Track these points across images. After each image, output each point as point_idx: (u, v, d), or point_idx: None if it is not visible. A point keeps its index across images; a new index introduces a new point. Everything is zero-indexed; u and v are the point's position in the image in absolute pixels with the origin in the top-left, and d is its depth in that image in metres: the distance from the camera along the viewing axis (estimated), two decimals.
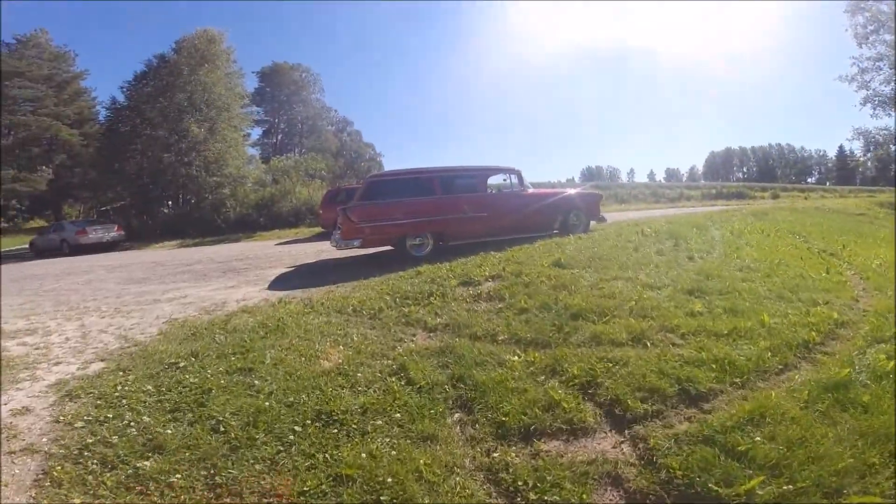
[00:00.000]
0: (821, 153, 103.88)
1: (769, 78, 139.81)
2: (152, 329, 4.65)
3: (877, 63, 20.37)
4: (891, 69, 19.62)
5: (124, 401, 2.95)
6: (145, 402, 2.94)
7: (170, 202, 24.06)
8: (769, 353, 3.29)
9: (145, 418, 2.74)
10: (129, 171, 22.58)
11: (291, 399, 2.82)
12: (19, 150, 31.40)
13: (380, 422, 2.59)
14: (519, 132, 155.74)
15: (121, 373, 3.43)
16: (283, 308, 4.71)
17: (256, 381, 3.04)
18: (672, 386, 2.85)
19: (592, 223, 8.98)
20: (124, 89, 24.02)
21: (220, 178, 21.51)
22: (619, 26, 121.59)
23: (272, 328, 3.98)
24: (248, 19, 67.38)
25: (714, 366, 3.08)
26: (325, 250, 10.15)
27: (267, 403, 2.77)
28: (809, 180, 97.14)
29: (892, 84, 19.74)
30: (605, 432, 2.55)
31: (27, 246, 20.65)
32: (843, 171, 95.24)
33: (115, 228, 18.80)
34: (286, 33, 75.26)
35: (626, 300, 4.22)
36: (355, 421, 2.60)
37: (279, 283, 6.77)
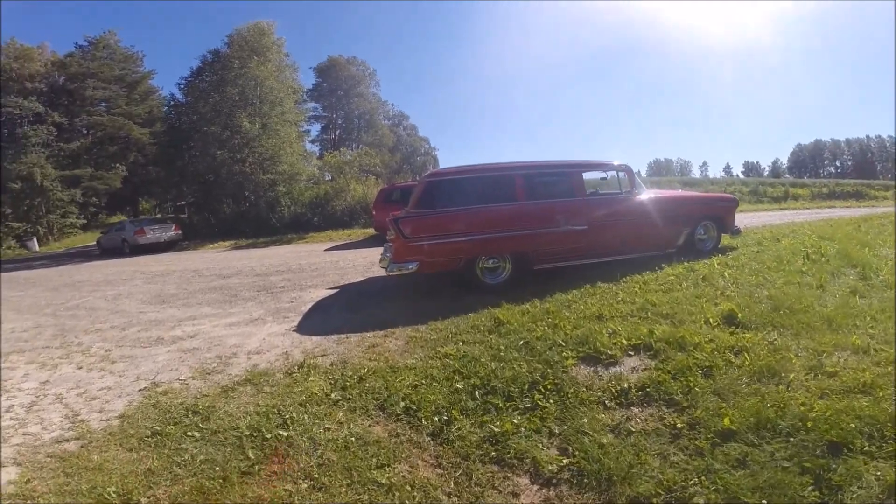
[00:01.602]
0: None
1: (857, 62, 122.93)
2: (119, 402, 3.27)
3: None
4: None
5: None
6: None
7: (230, 200, 23.86)
8: None
9: None
10: (190, 169, 22.50)
11: None
12: (96, 149, 32.99)
13: None
14: (576, 123, 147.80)
15: None
16: (301, 385, 3.11)
17: None
18: None
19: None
20: (181, 86, 24.08)
21: (274, 175, 20.72)
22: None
23: (270, 444, 2.36)
24: (298, 13, 67.17)
25: None
26: (375, 263, 8.61)
27: None
28: None
29: None
30: None
31: (95, 243, 21.12)
32: None
33: (173, 228, 18.68)
34: (334, 24, 74.54)
35: None
36: None
37: (313, 318, 5.23)
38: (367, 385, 3.03)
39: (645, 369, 2.84)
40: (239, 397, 3.10)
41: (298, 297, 6.40)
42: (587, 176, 6.02)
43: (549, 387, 2.70)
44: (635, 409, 2.45)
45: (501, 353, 3.24)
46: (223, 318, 5.58)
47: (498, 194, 5.46)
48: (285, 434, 2.45)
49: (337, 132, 47.20)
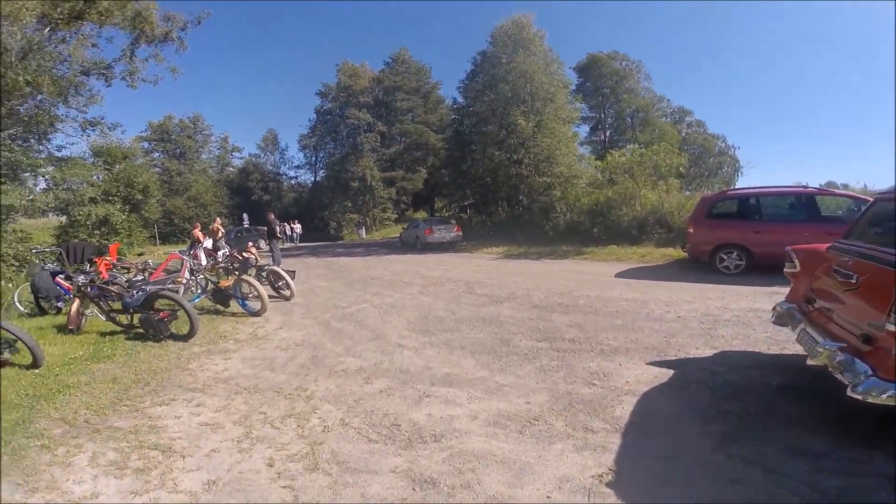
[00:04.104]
0: None
1: None
2: None
3: None
4: None
5: None
6: None
7: (504, 203, 23.81)
8: None
9: None
10: (471, 172, 23.32)
11: None
12: (406, 154, 39.19)
13: None
14: None
15: None
16: None
17: None
18: None
19: None
20: (460, 89, 25.41)
21: (549, 177, 19.14)
22: None
23: None
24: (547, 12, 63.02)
25: None
26: (714, 315, 5.39)
27: None
28: None
29: None
30: None
31: (398, 237, 24.24)
32: None
33: (455, 229, 19.64)
34: (589, 20, 67.11)
35: None
36: None
37: (641, 453, 2.68)
38: None
39: None
40: None
41: (602, 372, 3.93)
42: None
43: None
44: None
45: None
46: (487, 395, 3.62)
47: None
48: None
49: (607, 133, 43.15)
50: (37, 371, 4.43)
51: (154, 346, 5.31)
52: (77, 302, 5.95)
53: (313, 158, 46.40)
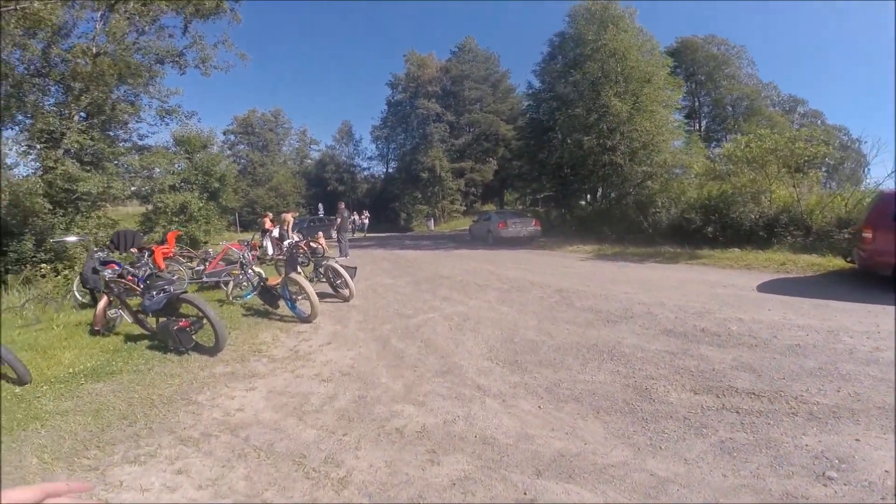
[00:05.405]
0: None
1: None
2: None
3: None
4: None
5: None
6: None
7: (588, 196, 21.46)
8: None
9: None
10: (550, 161, 21.21)
11: None
12: (475, 145, 37.65)
13: None
14: None
15: None
16: None
17: None
18: None
19: None
20: (536, 72, 23.47)
21: (649, 167, 16.59)
22: None
23: None
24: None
25: None
26: None
27: None
28: None
29: None
30: None
31: (468, 230, 22.75)
32: None
33: (533, 223, 17.88)
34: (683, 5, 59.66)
35: None
36: None
37: None
38: None
39: None
40: None
41: (834, 455, 2.16)
42: None
43: None
44: None
45: None
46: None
47: None
48: None
49: (703, 122, 38.57)
50: (18, 391, 3.49)
51: (173, 360, 4.26)
52: (105, 299, 5.11)
53: (385, 150, 46.44)
